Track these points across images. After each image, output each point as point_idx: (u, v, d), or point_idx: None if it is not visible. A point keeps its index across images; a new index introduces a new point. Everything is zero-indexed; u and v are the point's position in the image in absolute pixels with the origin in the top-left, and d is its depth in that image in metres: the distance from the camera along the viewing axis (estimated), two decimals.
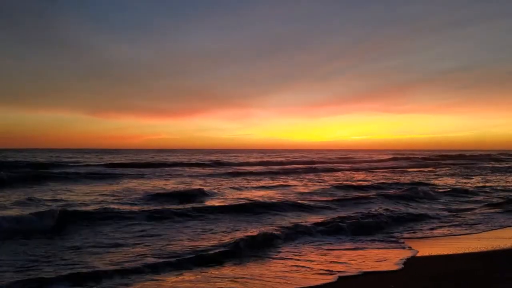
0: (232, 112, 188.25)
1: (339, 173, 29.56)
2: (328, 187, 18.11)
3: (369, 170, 34.09)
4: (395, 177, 25.18)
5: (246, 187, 18.05)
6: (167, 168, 31.27)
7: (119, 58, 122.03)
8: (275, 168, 33.24)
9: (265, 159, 51.92)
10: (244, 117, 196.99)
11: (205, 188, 16.22)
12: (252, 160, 50.71)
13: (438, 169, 35.97)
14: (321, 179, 23.27)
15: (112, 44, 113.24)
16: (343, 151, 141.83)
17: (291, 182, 20.93)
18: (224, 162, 42.37)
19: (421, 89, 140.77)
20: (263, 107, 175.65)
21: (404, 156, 66.35)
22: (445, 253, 6.81)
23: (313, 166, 36.62)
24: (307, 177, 25.21)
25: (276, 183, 20.47)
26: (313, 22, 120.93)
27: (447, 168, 36.32)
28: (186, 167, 33.24)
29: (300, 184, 19.85)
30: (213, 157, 57.24)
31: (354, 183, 20.19)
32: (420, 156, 65.44)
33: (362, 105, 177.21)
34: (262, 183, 20.14)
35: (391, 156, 65.99)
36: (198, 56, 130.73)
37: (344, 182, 20.91)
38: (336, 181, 22.22)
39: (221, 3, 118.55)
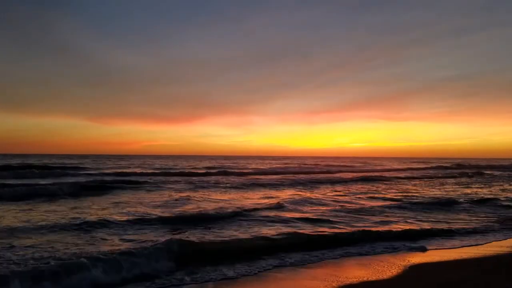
0: (231, 119, 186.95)
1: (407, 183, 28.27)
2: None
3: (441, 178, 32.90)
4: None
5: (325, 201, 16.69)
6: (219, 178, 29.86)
7: (119, 64, 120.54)
8: (317, 176, 31.97)
9: (298, 167, 50.82)
10: (244, 124, 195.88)
11: (285, 203, 14.97)
12: (278, 167, 49.42)
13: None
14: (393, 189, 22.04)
15: (111, 51, 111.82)
16: (344, 159, 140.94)
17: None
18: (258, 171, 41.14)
19: (420, 97, 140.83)
20: (263, 114, 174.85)
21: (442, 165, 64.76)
22: None
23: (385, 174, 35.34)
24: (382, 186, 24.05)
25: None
26: (313, 30, 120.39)
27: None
28: (231, 176, 32.05)
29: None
30: (237, 164, 55.90)
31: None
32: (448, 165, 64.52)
33: (361, 112, 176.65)
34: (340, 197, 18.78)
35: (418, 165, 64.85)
36: (198, 63, 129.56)
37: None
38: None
39: (221, 10, 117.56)
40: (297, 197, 16.64)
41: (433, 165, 65.44)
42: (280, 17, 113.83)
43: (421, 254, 7.63)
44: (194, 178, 29.19)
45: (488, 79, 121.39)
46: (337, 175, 36.31)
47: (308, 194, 18.32)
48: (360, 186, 24.41)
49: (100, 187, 19.57)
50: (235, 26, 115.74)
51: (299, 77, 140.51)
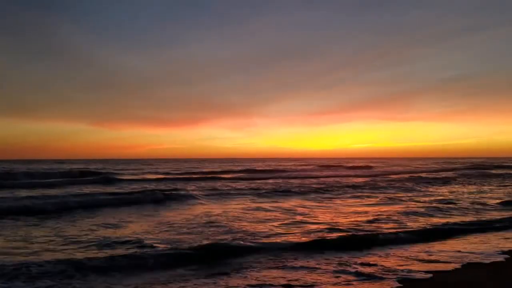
0: (235, 121, 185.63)
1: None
2: None
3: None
4: None
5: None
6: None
7: (122, 68, 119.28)
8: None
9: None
10: (247, 126, 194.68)
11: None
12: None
13: None
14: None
15: (115, 54, 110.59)
16: (351, 159, 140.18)
17: None
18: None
19: (424, 97, 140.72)
20: (266, 116, 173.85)
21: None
22: None
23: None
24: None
25: None
26: (315, 31, 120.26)
27: None
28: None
29: None
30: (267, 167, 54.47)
31: None
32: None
33: (364, 113, 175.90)
34: None
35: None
36: (201, 66, 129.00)
37: None
38: None
39: (223, 13, 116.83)
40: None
41: (450, 165, 64.26)
42: (281, 18, 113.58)
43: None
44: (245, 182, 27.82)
45: (492, 79, 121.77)
46: (386, 176, 35.16)
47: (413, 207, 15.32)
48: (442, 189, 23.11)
49: (179, 195, 18.16)
50: (238, 28, 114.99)
51: (301, 78, 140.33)
